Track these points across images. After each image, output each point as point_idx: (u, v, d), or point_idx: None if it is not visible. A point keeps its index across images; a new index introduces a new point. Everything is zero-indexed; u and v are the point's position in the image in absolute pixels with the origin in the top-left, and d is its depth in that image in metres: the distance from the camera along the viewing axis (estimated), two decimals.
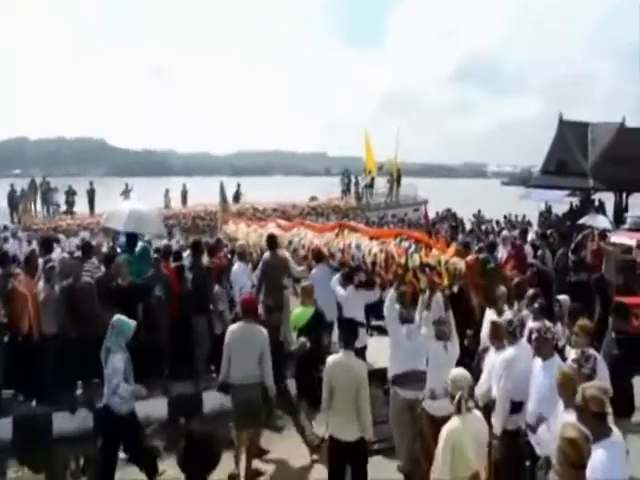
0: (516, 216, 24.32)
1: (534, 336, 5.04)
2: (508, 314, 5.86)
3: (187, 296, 7.94)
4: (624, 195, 27.16)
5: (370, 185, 30.70)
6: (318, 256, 8.40)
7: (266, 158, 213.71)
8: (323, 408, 5.29)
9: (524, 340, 5.51)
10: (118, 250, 9.47)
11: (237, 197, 28.00)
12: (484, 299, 7.05)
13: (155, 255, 8.02)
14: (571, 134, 26.64)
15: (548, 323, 5.12)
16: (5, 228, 20.01)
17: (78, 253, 9.06)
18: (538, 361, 5.02)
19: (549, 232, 12.12)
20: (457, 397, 4.16)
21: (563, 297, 6.87)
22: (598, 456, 3.30)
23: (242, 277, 8.77)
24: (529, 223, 21.87)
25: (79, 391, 7.42)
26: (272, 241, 8.67)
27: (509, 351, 5.35)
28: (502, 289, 6.66)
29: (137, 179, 63.28)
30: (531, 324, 5.81)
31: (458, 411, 4.15)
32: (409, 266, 6.46)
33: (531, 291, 6.81)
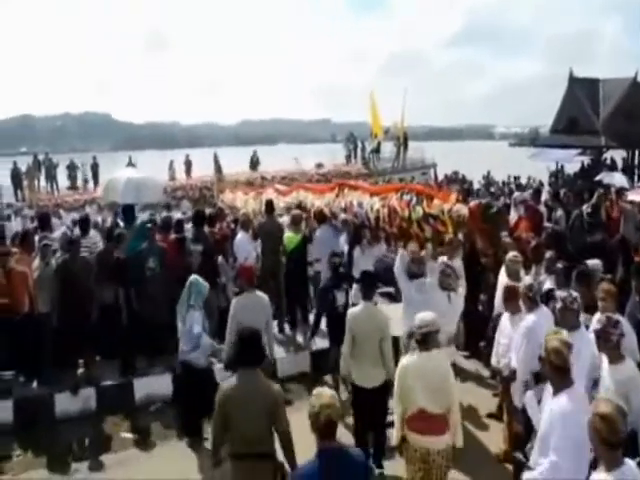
0: (529, 178, 23.83)
1: (558, 306, 4.65)
2: (527, 278, 5.50)
3: (188, 268, 7.65)
4: (636, 152, 26.57)
5: (377, 150, 30.24)
6: (320, 217, 8.50)
7: (271, 127, 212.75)
8: (344, 359, 5.38)
9: (544, 307, 5.17)
10: (121, 224, 9.20)
11: (255, 165, 27.86)
12: (488, 243, 7.09)
13: (149, 225, 7.66)
14: (582, 91, 25.96)
15: (574, 292, 4.74)
16: (9, 206, 19.86)
17: (76, 229, 8.81)
18: (564, 332, 4.70)
19: (562, 192, 11.67)
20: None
21: (593, 262, 6.43)
22: (559, 402, 3.39)
23: (246, 246, 8.63)
24: (540, 183, 21.34)
25: (80, 370, 7.20)
26: (269, 206, 8.79)
27: (529, 318, 5.02)
28: (513, 254, 6.30)
29: (143, 152, 63.04)
30: (556, 291, 5.43)
31: (420, 351, 4.21)
32: (413, 218, 6.69)
33: (549, 253, 6.50)
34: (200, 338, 5.88)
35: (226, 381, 4.03)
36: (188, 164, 27.03)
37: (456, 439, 4.26)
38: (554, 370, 3.47)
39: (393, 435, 4.46)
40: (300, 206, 9.01)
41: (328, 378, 7.24)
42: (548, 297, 5.59)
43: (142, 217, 8.44)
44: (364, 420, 5.44)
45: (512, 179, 24.14)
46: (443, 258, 6.70)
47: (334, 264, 6.96)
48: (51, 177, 24.23)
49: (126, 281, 7.14)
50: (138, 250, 7.41)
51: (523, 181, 23.67)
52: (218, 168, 16.96)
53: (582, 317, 4.89)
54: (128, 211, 8.20)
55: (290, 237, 8.38)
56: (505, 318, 5.57)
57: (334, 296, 6.76)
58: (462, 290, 6.68)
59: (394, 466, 5.25)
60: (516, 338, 5.07)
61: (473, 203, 6.70)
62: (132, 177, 8.61)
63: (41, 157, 24.77)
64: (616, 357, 4.09)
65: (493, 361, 5.68)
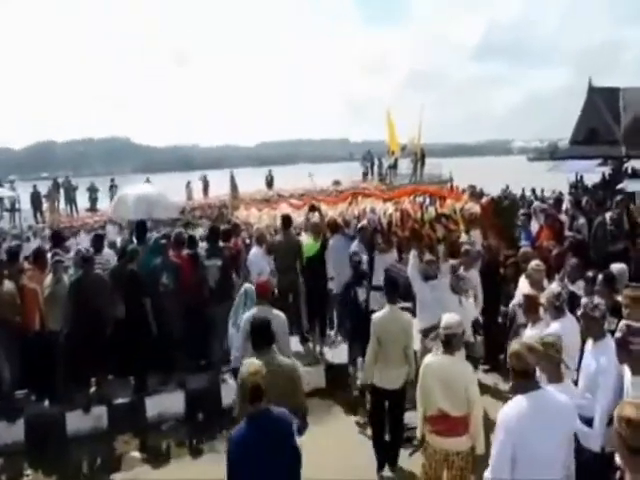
0: (543, 190, 23.44)
1: (579, 312, 4.43)
2: (554, 286, 5.26)
3: (202, 284, 7.55)
4: None
5: (394, 166, 30.25)
6: (333, 227, 8.42)
7: (290, 147, 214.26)
8: (369, 362, 5.44)
9: (569, 314, 4.93)
10: (134, 241, 9.17)
11: (270, 183, 28.00)
12: (500, 238, 7.20)
13: (163, 241, 7.58)
14: (602, 101, 25.66)
15: (597, 299, 4.50)
16: (29, 227, 20.09)
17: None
18: (589, 342, 4.41)
19: (584, 200, 11.41)
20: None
21: (619, 266, 6.12)
22: (515, 404, 3.28)
23: (260, 261, 8.50)
24: (560, 194, 20.98)
25: (92, 388, 7.11)
26: (286, 221, 8.63)
27: (553, 326, 4.79)
28: (535, 263, 6.09)
29: (163, 175, 63.83)
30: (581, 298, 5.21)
31: (443, 352, 4.25)
32: (425, 219, 6.85)
33: (572, 261, 6.29)
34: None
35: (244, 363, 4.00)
36: (205, 184, 27.26)
37: (477, 444, 4.23)
38: (516, 375, 3.37)
39: (417, 432, 4.58)
40: (314, 207, 8.90)
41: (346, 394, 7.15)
42: (573, 304, 5.36)
43: (153, 235, 8.31)
44: (382, 422, 5.58)
45: (531, 192, 23.81)
46: (453, 262, 6.65)
47: (355, 262, 7.09)
48: (70, 199, 24.49)
49: (140, 296, 7.06)
50: (152, 266, 7.33)
51: (542, 194, 23.34)
52: (233, 187, 17.12)
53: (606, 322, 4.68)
54: (140, 227, 8.11)
55: (309, 244, 8.23)
56: (527, 329, 5.35)
57: (355, 293, 6.88)
58: (479, 298, 6.56)
59: (410, 467, 5.42)
60: None
61: (485, 199, 6.87)
62: (143, 193, 8.55)
63: (60, 180, 25.10)
64: (639, 368, 3.83)
65: None
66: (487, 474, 3.36)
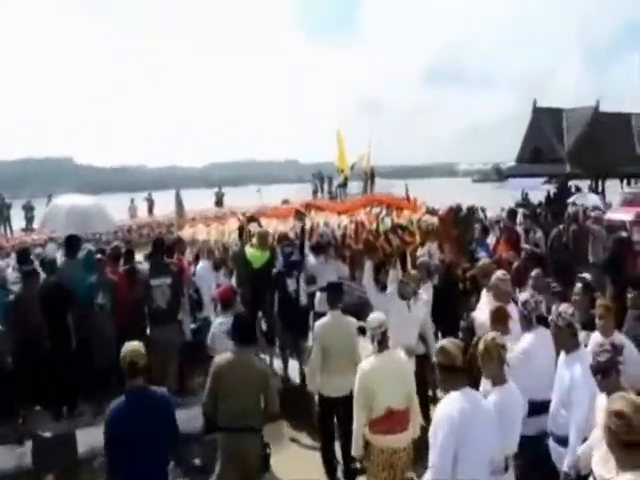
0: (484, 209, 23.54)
1: (551, 324, 4.12)
2: (523, 295, 4.90)
3: (141, 304, 6.87)
4: (600, 180, 26.87)
5: (343, 185, 30.00)
6: (284, 241, 7.99)
7: (238, 169, 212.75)
8: (312, 370, 5.39)
9: (542, 327, 4.57)
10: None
11: (220, 202, 27.43)
12: (458, 250, 6.95)
13: (98, 256, 6.87)
14: (546, 121, 26.30)
15: (564, 307, 4.18)
16: None
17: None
18: (562, 354, 4.10)
19: (538, 211, 11.35)
20: (370, 336, 4.34)
21: (585, 275, 5.90)
22: (453, 401, 3.24)
23: (209, 275, 8.09)
24: (516, 206, 20.90)
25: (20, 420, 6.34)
26: (242, 232, 8.31)
27: (525, 339, 4.43)
28: (501, 272, 5.75)
29: (108, 196, 61.79)
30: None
31: (379, 351, 4.30)
32: (380, 230, 6.58)
33: (537, 270, 6.05)
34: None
35: (221, 355, 4.29)
36: (150, 203, 26.30)
37: (414, 430, 4.36)
38: (442, 370, 3.38)
39: (354, 446, 4.42)
40: (252, 218, 8.42)
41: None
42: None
43: (85, 247, 7.56)
44: (331, 432, 5.46)
45: (480, 210, 23.94)
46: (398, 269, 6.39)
47: (286, 253, 7.28)
48: (4, 218, 23.09)
49: (63, 312, 6.37)
50: (87, 284, 6.63)
51: (489, 213, 23.53)
52: (179, 204, 16.44)
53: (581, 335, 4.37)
54: (70, 242, 7.34)
55: (256, 255, 7.55)
56: None
57: (285, 282, 7.11)
58: (426, 297, 6.21)
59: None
60: (511, 364, 4.47)
61: (442, 210, 6.68)
62: (77, 204, 7.79)
63: None
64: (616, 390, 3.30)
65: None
66: (428, 476, 3.27)
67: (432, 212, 6.98)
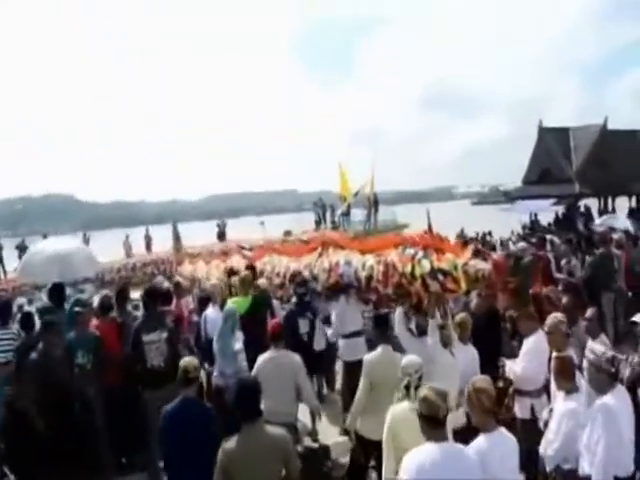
0: (487, 234, 22.76)
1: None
2: (598, 348, 4.01)
3: (133, 361, 5.95)
4: (609, 199, 26.16)
5: (347, 213, 29.39)
6: (299, 281, 7.20)
7: (237, 200, 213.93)
8: (356, 407, 4.92)
9: (619, 384, 3.77)
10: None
11: (222, 235, 26.40)
12: (516, 301, 5.69)
13: (77, 309, 5.95)
14: (553, 140, 25.61)
15: (599, 347, 3.89)
16: None
17: None
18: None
19: (572, 237, 10.49)
20: (404, 383, 4.05)
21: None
22: (427, 452, 3.13)
23: (219, 322, 7.09)
24: (543, 232, 19.84)
25: None
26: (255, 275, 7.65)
27: (608, 401, 3.65)
28: (557, 316, 4.93)
29: (108, 231, 61.12)
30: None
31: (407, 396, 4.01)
32: (416, 274, 5.56)
33: (590, 312, 5.23)
34: (239, 354, 6.05)
35: (228, 440, 3.72)
36: (148, 239, 25.27)
37: None
38: (424, 420, 3.20)
39: None
40: (250, 267, 7.49)
41: None
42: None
43: (73, 296, 6.67)
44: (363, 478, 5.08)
45: (487, 234, 23.17)
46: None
47: (299, 293, 6.83)
48: None
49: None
50: (66, 341, 5.69)
51: (496, 236, 22.77)
52: (176, 238, 15.55)
53: None
54: (54, 292, 6.47)
55: (238, 302, 6.90)
56: (559, 401, 4.18)
57: (296, 323, 6.68)
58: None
59: None
60: (594, 427, 3.64)
61: (499, 255, 5.46)
62: (56, 250, 6.91)
63: None
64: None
65: (541, 450, 4.25)
66: None
67: (480, 254, 5.91)
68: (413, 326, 5.54)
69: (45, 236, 23.33)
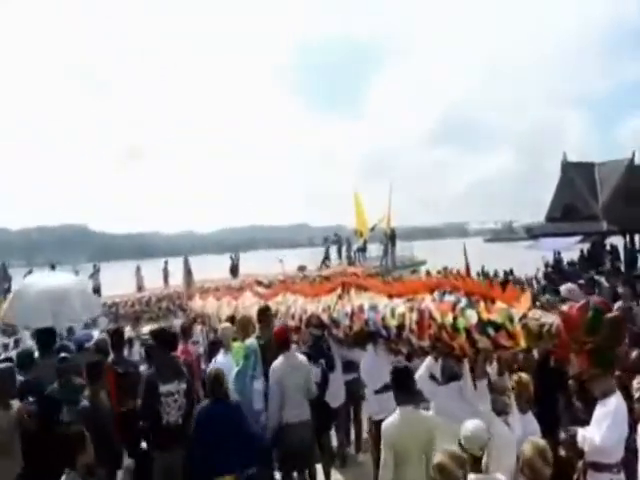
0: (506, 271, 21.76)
1: None
2: None
3: (132, 419, 5.14)
4: (637, 237, 25.17)
5: (363, 249, 28.67)
6: (316, 324, 6.48)
7: (250, 233, 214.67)
8: None
9: None
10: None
11: (235, 269, 25.58)
12: (596, 365, 4.35)
13: (62, 355, 5.16)
14: (577, 176, 24.77)
15: None
16: None
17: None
18: None
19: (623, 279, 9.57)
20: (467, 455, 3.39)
21: None
22: None
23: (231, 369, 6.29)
24: (593, 274, 18.34)
25: None
26: (264, 314, 6.44)
27: None
28: None
29: (122, 262, 60.87)
30: None
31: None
32: (459, 327, 4.52)
33: None
34: (261, 414, 5.47)
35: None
36: (166, 272, 24.38)
37: None
38: None
39: None
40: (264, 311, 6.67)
41: None
42: None
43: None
44: None
45: (509, 273, 22.17)
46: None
47: (315, 336, 6.33)
48: (4, 290, 21.59)
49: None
50: (45, 396, 4.90)
51: (518, 274, 21.82)
52: (187, 272, 14.91)
53: None
54: (43, 337, 5.69)
55: (236, 347, 6.25)
56: None
57: None
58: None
59: None
60: None
61: (571, 306, 4.07)
62: (48, 287, 6.10)
63: None
64: None
65: None
66: None
67: (547, 307, 4.85)
68: (438, 370, 4.78)
69: (53, 267, 22.75)
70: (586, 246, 25.14)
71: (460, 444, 3.48)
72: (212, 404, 4.78)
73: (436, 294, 4.82)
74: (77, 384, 5.03)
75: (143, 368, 5.95)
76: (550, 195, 26.61)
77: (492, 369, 4.44)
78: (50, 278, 7.00)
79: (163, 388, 4.99)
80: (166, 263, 24.35)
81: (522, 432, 4.26)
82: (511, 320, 4.06)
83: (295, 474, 5.68)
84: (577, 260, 24.85)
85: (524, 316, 4.01)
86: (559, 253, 25.24)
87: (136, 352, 9.03)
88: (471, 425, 3.57)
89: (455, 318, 4.43)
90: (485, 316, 4.21)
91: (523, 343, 4.02)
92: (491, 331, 4.16)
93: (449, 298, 4.63)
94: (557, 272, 23.20)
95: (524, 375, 4.57)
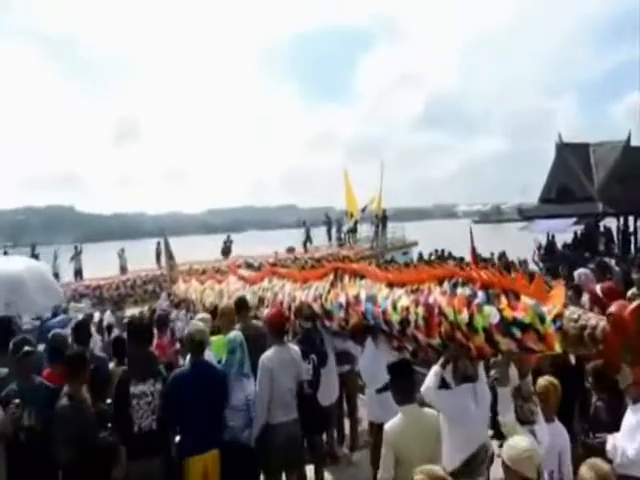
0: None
1: None
2: None
3: (103, 419, 4.47)
4: (632, 219, 24.77)
5: (353, 230, 28.18)
6: (307, 315, 5.87)
7: (237, 214, 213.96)
8: None
9: None
10: None
11: (227, 251, 25.08)
12: None
13: (27, 349, 4.38)
14: (572, 157, 24.21)
15: None
16: None
17: None
18: None
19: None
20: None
21: None
22: None
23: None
24: (604, 258, 17.70)
25: None
26: (241, 305, 6.11)
27: None
28: None
29: (108, 243, 60.37)
30: None
31: None
32: (477, 326, 3.81)
33: None
34: (250, 411, 4.75)
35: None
36: (158, 252, 23.71)
37: None
38: None
39: None
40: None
41: None
42: None
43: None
44: None
45: (502, 255, 21.65)
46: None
47: (305, 329, 5.80)
48: None
49: None
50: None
51: (510, 257, 21.34)
52: (169, 255, 14.27)
53: None
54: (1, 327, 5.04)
55: (218, 341, 5.52)
56: None
57: None
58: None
59: None
60: None
61: (621, 307, 3.20)
62: (5, 272, 5.44)
63: None
64: None
65: None
66: None
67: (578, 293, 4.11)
68: (449, 372, 4.11)
69: (33, 247, 22.04)
70: (580, 228, 24.71)
71: (506, 466, 2.92)
72: (191, 367, 4.59)
73: (446, 285, 4.14)
74: (39, 383, 4.45)
75: (112, 365, 5.32)
76: (539, 178, 26.17)
77: (513, 371, 3.81)
78: (3, 264, 6.27)
79: (135, 389, 4.33)
80: (158, 244, 23.71)
81: (550, 444, 3.71)
82: (542, 320, 3.38)
83: (284, 477, 5.17)
84: (571, 242, 24.48)
85: (559, 315, 3.31)
86: (553, 236, 24.81)
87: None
88: (521, 442, 3.02)
89: (472, 316, 3.78)
90: (509, 314, 3.53)
91: (558, 347, 3.33)
92: (517, 332, 3.50)
93: (463, 290, 3.94)
94: (550, 254, 22.81)
95: (553, 379, 4.00)
